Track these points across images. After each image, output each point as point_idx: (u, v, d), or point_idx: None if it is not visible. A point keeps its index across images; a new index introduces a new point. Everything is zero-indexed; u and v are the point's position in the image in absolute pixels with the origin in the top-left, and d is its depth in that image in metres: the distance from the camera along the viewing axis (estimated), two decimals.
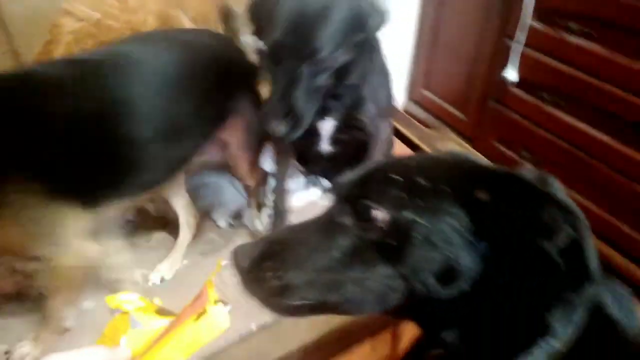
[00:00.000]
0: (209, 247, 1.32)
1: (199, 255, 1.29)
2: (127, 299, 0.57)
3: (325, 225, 0.56)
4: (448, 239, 0.49)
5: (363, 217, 0.52)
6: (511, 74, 1.75)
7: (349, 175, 0.58)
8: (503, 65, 1.79)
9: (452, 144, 1.49)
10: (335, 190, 0.60)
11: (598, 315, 0.50)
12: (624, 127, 1.47)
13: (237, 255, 0.55)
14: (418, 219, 0.49)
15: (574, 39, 1.57)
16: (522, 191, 0.48)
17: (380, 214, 0.51)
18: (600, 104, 1.53)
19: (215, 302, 0.52)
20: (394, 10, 1.97)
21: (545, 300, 0.48)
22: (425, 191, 0.51)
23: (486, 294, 0.49)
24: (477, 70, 2.00)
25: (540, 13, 1.66)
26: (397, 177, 0.52)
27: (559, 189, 0.53)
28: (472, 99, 2.04)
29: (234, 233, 1.36)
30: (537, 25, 1.67)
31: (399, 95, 2.40)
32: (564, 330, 0.47)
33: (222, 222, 1.37)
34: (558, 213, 0.46)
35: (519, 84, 1.78)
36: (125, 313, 0.56)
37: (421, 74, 2.33)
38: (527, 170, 0.56)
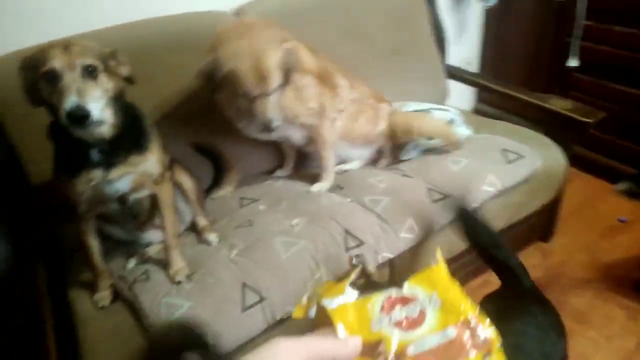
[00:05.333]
0: None
1: None
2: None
3: None
4: None
5: None
6: (573, 61, 2.31)
7: None
8: (562, 56, 2.35)
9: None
10: None
11: None
12: None
13: None
14: None
15: (619, 28, 2.12)
16: None
17: None
18: None
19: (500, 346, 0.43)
20: (462, 24, 2.57)
21: None
22: None
23: None
24: (539, 64, 2.55)
25: (590, 13, 2.22)
26: None
27: None
28: (538, 88, 2.58)
29: None
30: (589, 22, 2.23)
31: (469, 98, 2.97)
32: None
33: None
34: None
35: (579, 69, 2.33)
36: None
37: (489, 76, 2.88)
38: None
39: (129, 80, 1.10)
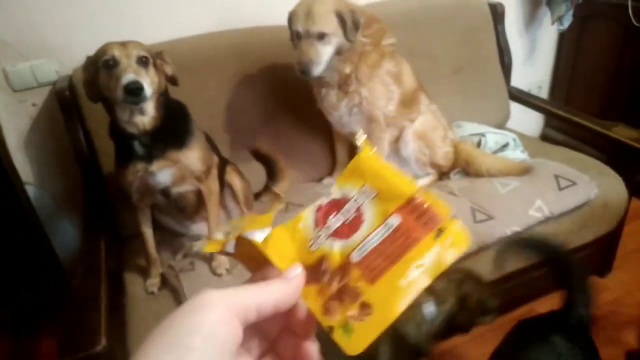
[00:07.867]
0: None
1: None
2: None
3: None
4: None
5: None
6: None
7: None
8: None
9: None
10: None
11: None
12: None
13: None
14: None
15: None
16: None
17: None
18: None
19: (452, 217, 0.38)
20: (533, 46, 2.48)
21: None
22: None
23: None
24: (615, 93, 2.43)
25: None
26: None
27: None
28: (612, 118, 2.45)
29: None
30: None
31: (538, 122, 2.87)
32: None
33: None
34: None
35: None
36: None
37: (560, 100, 2.78)
38: None
39: (172, 80, 1.23)
